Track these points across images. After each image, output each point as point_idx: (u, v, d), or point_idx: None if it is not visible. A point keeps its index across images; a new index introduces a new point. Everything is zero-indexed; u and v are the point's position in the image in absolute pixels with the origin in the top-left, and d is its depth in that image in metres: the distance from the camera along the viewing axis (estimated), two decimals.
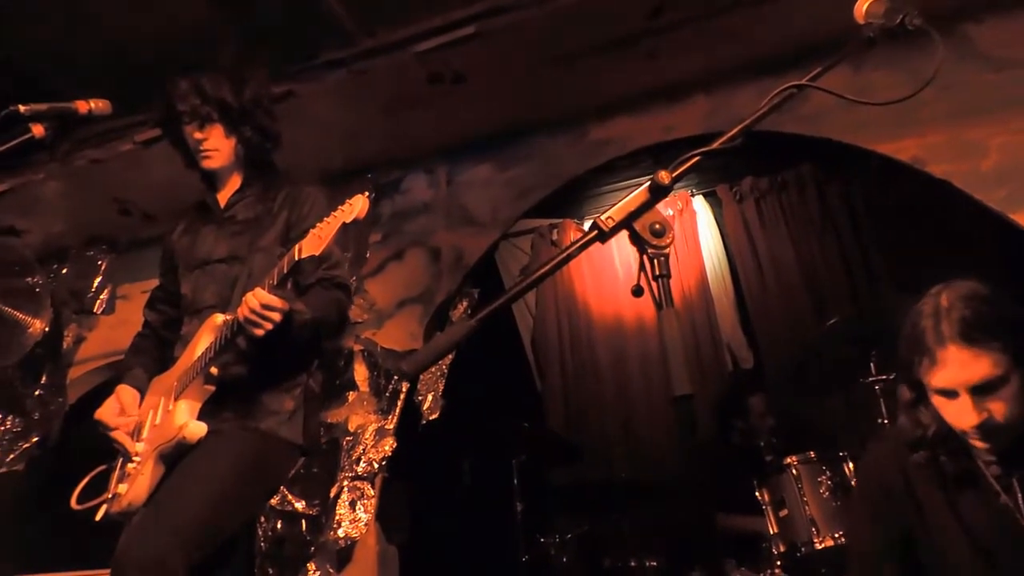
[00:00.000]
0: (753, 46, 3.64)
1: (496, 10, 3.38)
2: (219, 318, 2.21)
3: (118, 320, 4.64)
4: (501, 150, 4.23)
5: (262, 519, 3.68)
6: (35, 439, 4.56)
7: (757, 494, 3.44)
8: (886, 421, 3.22)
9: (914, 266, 4.41)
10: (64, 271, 4.72)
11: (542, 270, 1.25)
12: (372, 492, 3.77)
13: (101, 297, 4.69)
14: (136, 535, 2.00)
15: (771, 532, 3.34)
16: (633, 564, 3.74)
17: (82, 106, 1.87)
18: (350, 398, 3.97)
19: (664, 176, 1.25)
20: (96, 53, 3.45)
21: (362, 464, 3.80)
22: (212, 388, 2.18)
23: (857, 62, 3.37)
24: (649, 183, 1.26)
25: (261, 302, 2.00)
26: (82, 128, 3.81)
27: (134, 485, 2.15)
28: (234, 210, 2.44)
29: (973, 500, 1.75)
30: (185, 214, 2.59)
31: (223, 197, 2.47)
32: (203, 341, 2.20)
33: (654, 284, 1.28)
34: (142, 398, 2.35)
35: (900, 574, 1.87)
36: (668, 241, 1.25)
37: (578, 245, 1.24)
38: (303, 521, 3.73)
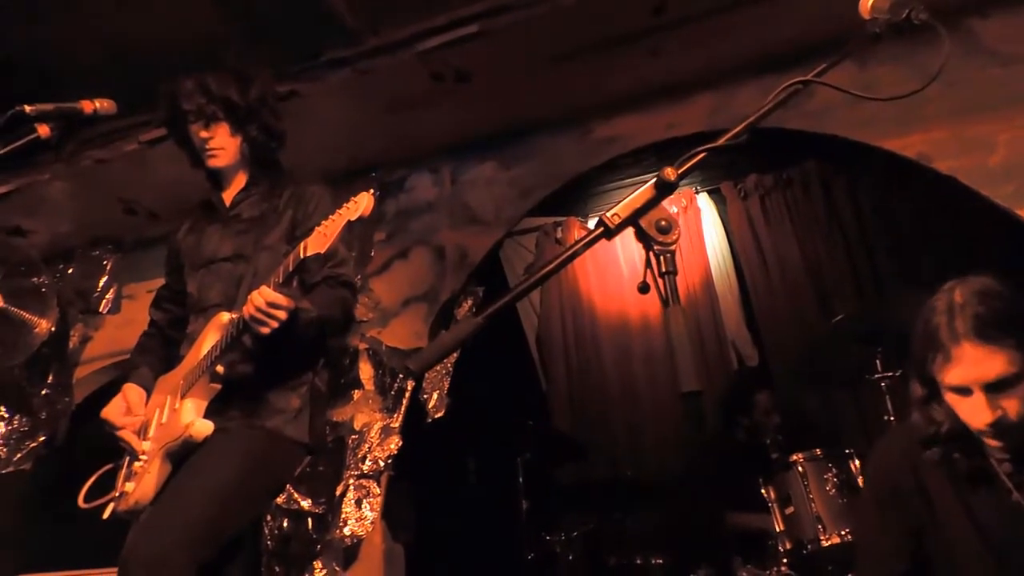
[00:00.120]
0: (756, 43, 3.64)
1: (499, 9, 3.38)
2: (225, 316, 2.21)
3: (124, 319, 4.65)
4: (505, 148, 4.23)
5: (268, 517, 3.69)
6: (42, 438, 4.57)
7: (763, 492, 3.43)
8: (892, 418, 3.21)
9: (920, 263, 4.40)
10: (70, 271, 4.73)
11: (548, 267, 1.25)
12: (378, 490, 3.77)
13: (107, 297, 4.70)
14: (143, 533, 2.01)
15: (777, 530, 3.33)
16: (639, 562, 3.74)
17: (87, 106, 1.87)
18: (355, 396, 3.97)
19: (670, 173, 1.25)
20: (101, 53, 3.45)
21: (368, 462, 3.80)
22: (218, 386, 2.19)
23: (862, 58, 3.36)
24: (655, 180, 1.26)
25: (267, 300, 2.00)
26: (87, 128, 3.81)
27: (141, 484, 2.15)
28: (239, 209, 2.44)
29: (985, 498, 1.73)
30: (190, 213, 2.59)
31: (228, 196, 2.48)
32: (209, 340, 2.21)
33: (660, 281, 1.27)
34: (148, 397, 2.35)
35: (908, 571, 1.86)
36: (674, 238, 1.25)
37: (584, 242, 1.24)
38: (309, 519, 3.74)
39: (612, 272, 5.24)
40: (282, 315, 2.03)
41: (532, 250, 5.36)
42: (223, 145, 2.38)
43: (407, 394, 3.95)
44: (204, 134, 2.36)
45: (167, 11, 3.31)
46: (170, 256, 2.57)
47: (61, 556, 3.99)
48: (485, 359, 3.94)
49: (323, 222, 1.99)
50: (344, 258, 2.37)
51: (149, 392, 2.37)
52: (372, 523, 3.72)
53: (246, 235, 2.38)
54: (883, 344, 3.30)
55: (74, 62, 3.46)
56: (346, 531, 3.70)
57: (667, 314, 1.29)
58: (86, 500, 2.34)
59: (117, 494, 2.24)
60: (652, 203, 1.26)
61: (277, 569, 3.73)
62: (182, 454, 2.15)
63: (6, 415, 4.62)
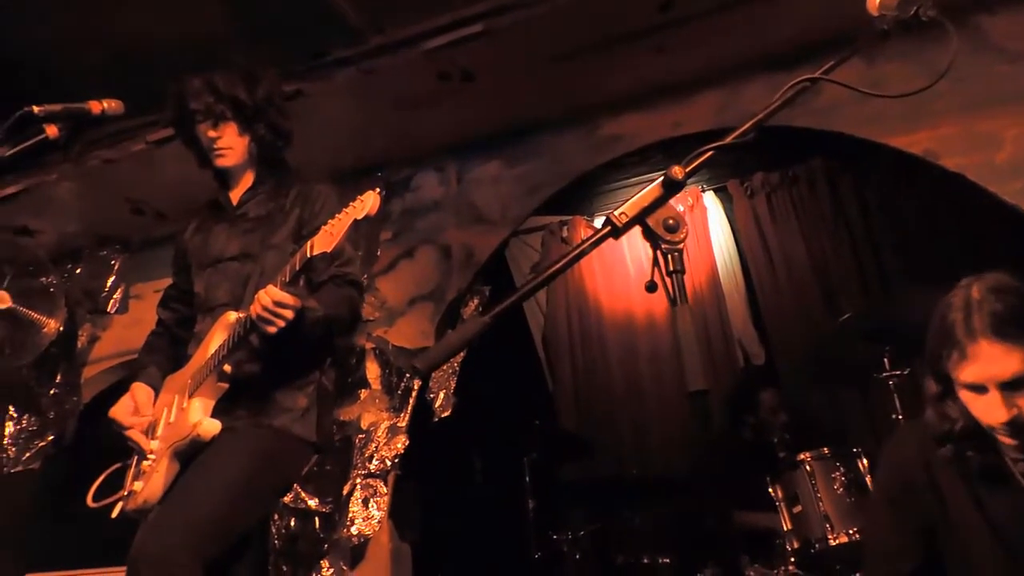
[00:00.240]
0: (763, 40, 3.62)
1: (504, 7, 3.38)
2: (232, 316, 2.22)
3: (132, 319, 4.66)
4: (510, 147, 4.22)
5: (276, 516, 3.69)
6: (50, 438, 4.59)
7: (770, 490, 3.42)
8: (900, 417, 3.20)
9: (927, 260, 4.39)
10: (78, 271, 4.75)
11: (555, 266, 1.25)
12: (385, 490, 3.77)
13: (115, 296, 4.71)
14: (151, 532, 2.02)
15: (785, 528, 3.32)
16: (646, 561, 3.74)
17: (95, 106, 1.87)
18: (362, 396, 3.98)
19: (677, 171, 1.24)
20: (107, 53, 3.46)
21: (375, 462, 3.81)
22: (226, 386, 2.19)
23: (870, 55, 3.35)
24: (662, 178, 1.26)
25: (273, 299, 2.01)
26: (95, 128, 3.83)
27: (149, 483, 2.16)
28: (246, 208, 2.45)
29: (999, 496, 1.72)
30: (197, 213, 2.60)
31: (235, 195, 2.48)
32: (216, 339, 2.21)
33: (668, 280, 1.27)
34: (156, 396, 2.36)
35: (917, 570, 1.86)
36: (682, 236, 1.25)
37: (592, 241, 1.24)
38: (316, 518, 3.75)
39: (618, 271, 5.23)
40: (289, 314, 2.03)
41: (538, 249, 5.36)
42: (231, 144, 2.39)
43: (414, 393, 3.95)
44: (212, 133, 2.37)
45: (173, 11, 3.31)
46: (177, 255, 2.58)
47: (69, 555, 4.01)
48: (491, 358, 3.93)
49: (329, 221, 1.99)
50: (351, 257, 2.37)
51: (157, 391, 2.37)
52: (379, 522, 3.73)
53: (253, 234, 2.38)
54: (891, 342, 3.29)
55: (81, 62, 3.47)
56: (353, 530, 3.70)
57: (675, 313, 1.28)
58: (95, 499, 2.35)
59: (125, 493, 2.25)
60: (660, 201, 1.26)
61: (284, 568, 3.74)
62: (190, 453, 2.16)
63: (15, 414, 4.64)
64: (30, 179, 4.14)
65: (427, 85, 3.73)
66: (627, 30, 3.52)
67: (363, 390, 3.99)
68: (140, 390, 2.35)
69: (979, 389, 1.64)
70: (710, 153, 1.29)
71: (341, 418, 3.91)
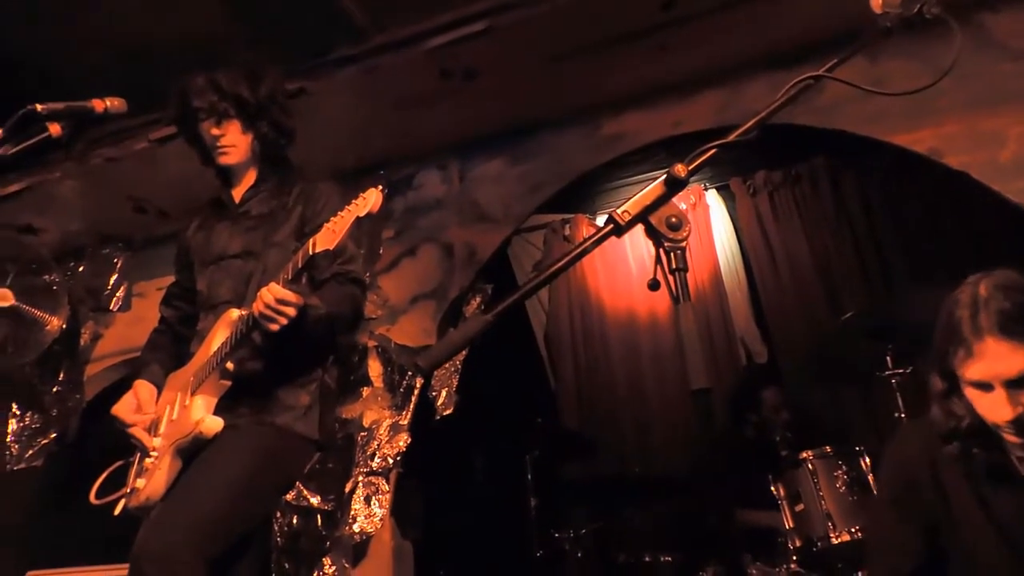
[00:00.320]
0: (765, 38, 3.62)
1: (506, 6, 3.37)
2: (234, 313, 2.22)
3: (134, 317, 4.67)
4: (513, 145, 4.22)
5: (278, 514, 3.70)
6: (53, 435, 4.60)
7: (772, 489, 3.42)
8: (903, 415, 3.19)
9: (930, 258, 4.38)
10: (81, 269, 4.75)
11: (558, 264, 1.25)
12: (387, 487, 3.78)
13: (117, 294, 4.72)
14: (154, 529, 2.02)
15: (787, 527, 3.32)
16: (647, 559, 3.74)
17: (98, 105, 1.87)
18: (364, 394, 3.98)
19: (680, 169, 1.24)
20: (109, 51, 3.46)
21: (377, 459, 3.81)
22: (228, 383, 2.20)
23: (873, 53, 3.34)
24: (665, 176, 1.26)
25: (276, 297, 2.01)
26: (97, 127, 3.84)
27: (152, 480, 2.16)
28: (248, 205, 2.45)
29: (1005, 495, 1.72)
30: (200, 211, 2.60)
31: (238, 193, 2.48)
32: (219, 336, 2.22)
33: (671, 278, 1.27)
34: (159, 393, 2.37)
35: (918, 568, 1.86)
36: (685, 234, 1.25)
37: (594, 239, 1.24)
38: (319, 516, 3.75)
39: (621, 269, 5.23)
40: (291, 312, 2.04)
41: (540, 247, 5.36)
42: (234, 142, 2.39)
43: (416, 391, 3.95)
44: (216, 131, 2.37)
45: (175, 9, 3.31)
46: (180, 253, 2.58)
47: (72, 552, 4.01)
48: (494, 357, 3.93)
49: (332, 219, 1.99)
50: (353, 255, 2.37)
51: (160, 389, 2.38)
52: (381, 520, 3.73)
53: (255, 232, 2.38)
54: (893, 341, 3.28)
55: (83, 61, 3.47)
56: (355, 528, 3.71)
57: (677, 311, 1.28)
58: (97, 496, 2.36)
59: (128, 490, 2.26)
60: (662, 200, 1.26)
61: (287, 566, 3.74)
62: (192, 450, 2.16)
63: (18, 412, 4.65)
64: (33, 177, 4.15)
65: (429, 83, 3.72)
66: (629, 29, 3.52)
67: (365, 388, 3.99)
68: (143, 387, 2.36)
69: (985, 387, 1.64)
70: (713, 151, 1.29)
71: (343, 416, 3.91)
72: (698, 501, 4.07)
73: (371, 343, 4.08)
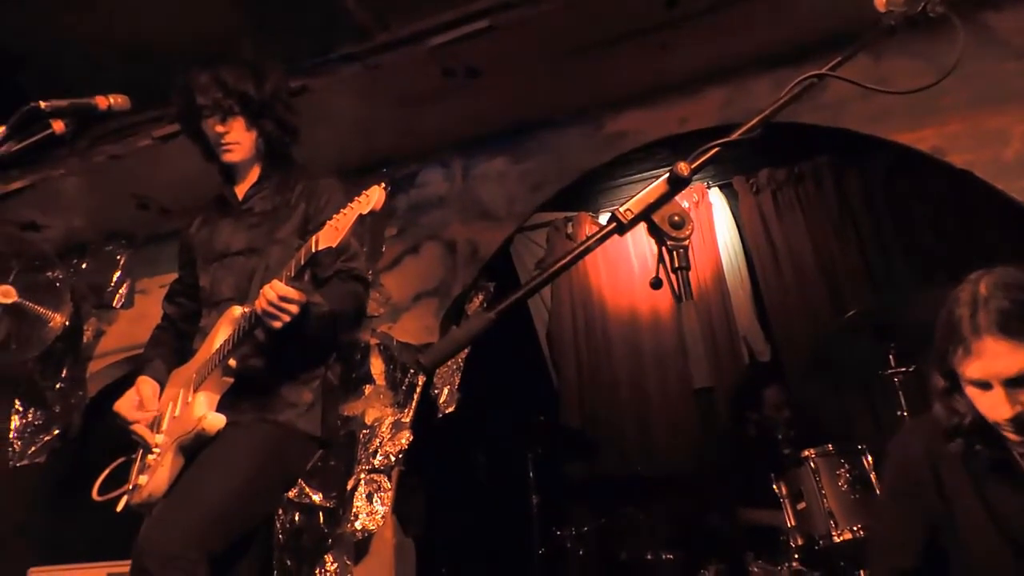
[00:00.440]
0: (769, 36, 3.61)
1: (510, 4, 3.37)
2: (237, 310, 2.22)
3: (137, 314, 4.68)
4: (516, 143, 4.22)
5: (280, 511, 3.71)
6: (56, 432, 4.61)
7: (775, 487, 3.42)
8: (905, 414, 3.19)
9: (933, 257, 4.38)
10: (84, 266, 4.76)
11: (560, 263, 1.25)
12: (389, 485, 3.78)
13: (120, 291, 4.72)
14: (156, 526, 2.02)
15: (789, 525, 3.32)
16: (649, 557, 3.74)
17: (102, 102, 1.88)
18: (367, 391, 3.98)
19: (683, 167, 1.24)
20: (112, 49, 3.47)
21: (379, 457, 3.81)
22: (231, 380, 2.20)
23: (877, 51, 3.34)
24: (668, 175, 1.26)
25: (278, 294, 2.01)
26: (100, 124, 3.84)
27: (154, 476, 2.17)
28: (252, 203, 2.45)
29: (1007, 492, 1.72)
30: (203, 208, 2.60)
31: (241, 190, 2.48)
32: (221, 333, 2.22)
33: (673, 276, 1.27)
34: (162, 390, 2.37)
35: (916, 566, 1.86)
36: (687, 233, 1.25)
37: (597, 237, 1.24)
38: (321, 513, 3.76)
39: (623, 267, 5.23)
40: (294, 309, 2.04)
41: (543, 245, 5.36)
42: (239, 140, 2.39)
43: (418, 389, 3.96)
44: (220, 128, 2.36)
45: (178, 7, 3.31)
46: (182, 250, 2.58)
47: (75, 549, 4.02)
48: (496, 355, 3.93)
49: (334, 216, 1.99)
50: (356, 252, 2.37)
51: (163, 385, 2.38)
52: (383, 517, 3.74)
53: (258, 229, 2.38)
54: (896, 339, 3.28)
55: (86, 59, 3.48)
56: (357, 525, 3.71)
57: (679, 310, 1.27)
58: (100, 493, 2.36)
59: (130, 487, 2.26)
60: (665, 198, 1.26)
61: (288, 563, 3.75)
62: (195, 447, 2.16)
63: (21, 409, 4.66)
64: (36, 174, 4.15)
65: (432, 81, 3.72)
66: (632, 27, 3.51)
67: (367, 386, 4.00)
68: (145, 384, 2.36)
69: (984, 385, 1.64)
70: (716, 149, 1.29)
71: (345, 413, 3.92)
72: (700, 499, 4.07)
73: (373, 341, 4.08)
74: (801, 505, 3.27)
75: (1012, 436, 1.66)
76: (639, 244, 5.19)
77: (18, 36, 3.47)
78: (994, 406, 1.63)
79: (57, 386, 4.64)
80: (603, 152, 4.07)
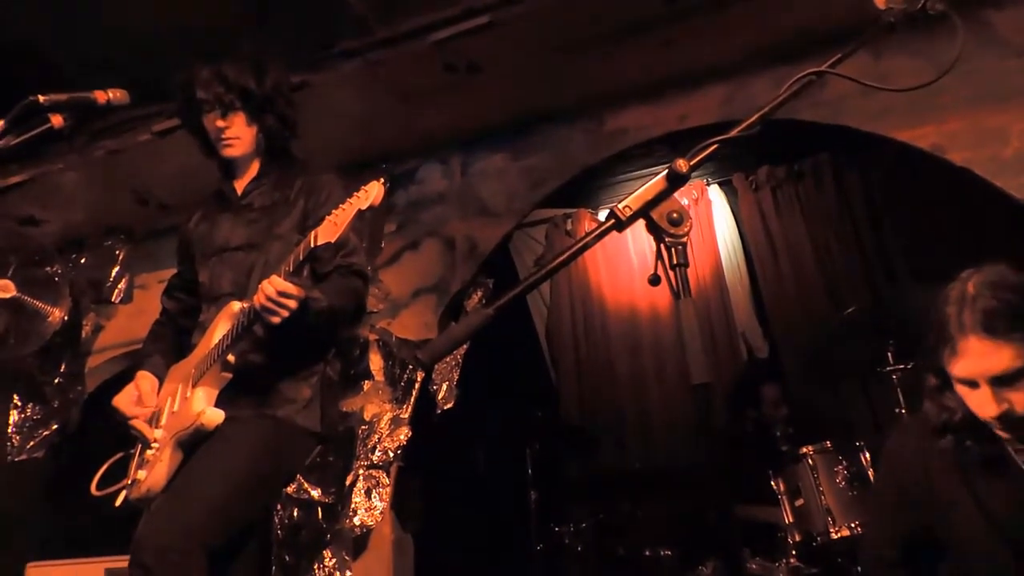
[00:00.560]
0: (769, 33, 3.61)
1: (510, 0, 3.37)
2: (236, 306, 2.22)
3: (136, 309, 4.67)
4: (516, 140, 4.22)
5: (279, 507, 3.71)
6: (54, 427, 4.61)
7: (773, 484, 3.43)
8: (903, 411, 3.20)
9: (932, 255, 4.38)
10: (82, 261, 4.76)
11: (560, 259, 1.25)
12: (387, 481, 3.79)
13: (119, 286, 4.72)
14: (155, 521, 2.02)
15: (787, 522, 3.33)
16: (647, 553, 3.75)
17: (101, 96, 1.87)
18: (365, 387, 3.98)
19: (682, 164, 1.24)
20: (112, 42, 3.46)
21: (377, 453, 3.82)
22: (229, 375, 2.20)
23: (877, 49, 3.33)
24: (667, 171, 1.25)
25: (277, 289, 2.00)
26: (99, 118, 3.84)
27: (153, 471, 2.17)
28: (251, 197, 2.45)
29: (999, 486, 1.73)
30: (202, 203, 2.60)
31: (240, 185, 2.48)
32: (220, 328, 2.22)
33: (671, 273, 1.27)
34: (160, 385, 2.37)
35: (901, 561, 1.88)
36: (686, 230, 1.25)
37: (595, 234, 1.24)
38: (319, 509, 3.76)
39: (622, 264, 5.23)
40: (292, 304, 2.03)
41: (542, 242, 5.36)
42: (239, 135, 2.38)
43: (417, 385, 3.96)
44: (221, 123, 2.36)
45: (178, 1, 3.31)
46: (181, 245, 2.58)
47: (73, 543, 4.03)
48: (495, 351, 3.94)
49: (333, 211, 1.99)
50: (355, 247, 2.37)
51: (161, 380, 2.38)
52: (381, 513, 3.74)
53: (258, 224, 2.38)
54: (894, 336, 3.29)
55: (86, 52, 3.47)
56: (356, 521, 3.72)
57: (678, 307, 1.28)
58: (99, 488, 2.36)
59: (129, 482, 2.26)
60: (664, 195, 1.26)
61: (287, 558, 3.75)
62: (193, 442, 2.16)
63: (19, 403, 4.66)
64: (35, 169, 4.15)
65: (433, 77, 3.72)
66: (633, 23, 3.51)
67: (366, 382, 4.00)
68: (144, 379, 2.36)
69: (970, 384, 1.66)
70: (715, 146, 1.28)
71: (344, 409, 3.92)
72: (698, 496, 4.08)
73: (372, 337, 4.08)
74: (799, 502, 3.28)
75: (1002, 434, 1.68)
76: (638, 241, 5.19)
77: (17, 29, 3.47)
78: (981, 404, 1.65)
79: (56, 381, 4.64)
80: (603, 149, 4.06)
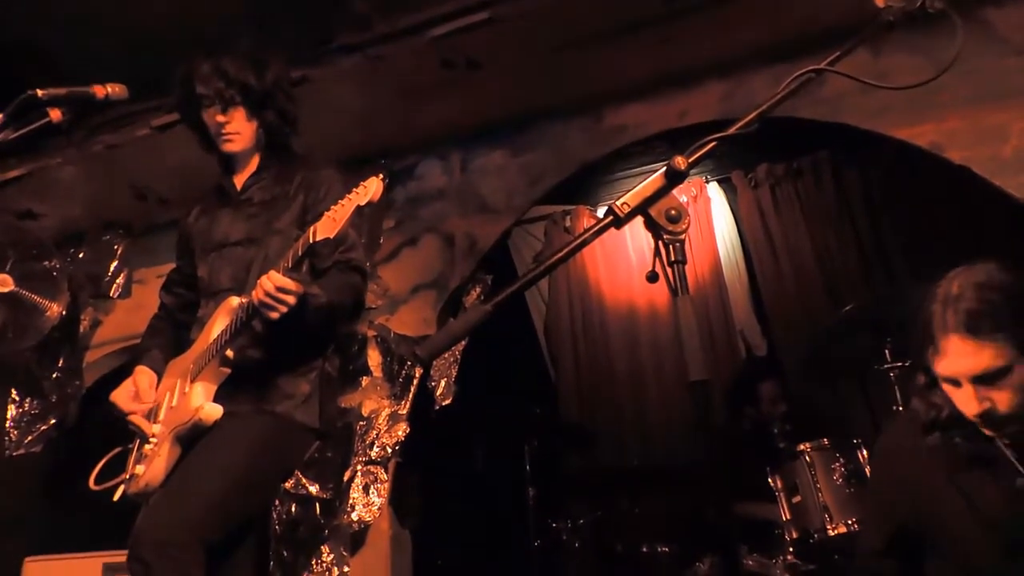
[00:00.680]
0: (768, 30, 3.61)
1: None
2: (234, 301, 2.22)
3: (134, 304, 4.67)
4: (515, 136, 4.21)
5: (277, 502, 3.71)
6: (52, 421, 4.61)
7: (770, 481, 3.43)
8: (901, 408, 3.20)
9: (931, 253, 4.38)
10: (81, 255, 4.75)
11: (557, 255, 1.25)
12: (385, 476, 3.79)
13: (117, 281, 4.72)
14: (153, 516, 2.03)
15: (784, 519, 3.33)
16: (645, 550, 3.75)
17: (99, 91, 1.87)
18: (364, 383, 3.99)
19: (680, 162, 1.24)
20: (110, 37, 3.46)
21: (375, 449, 3.82)
22: (228, 371, 2.20)
23: (876, 46, 3.33)
24: (665, 168, 1.26)
25: (276, 285, 2.01)
26: (98, 113, 3.83)
27: (151, 466, 2.17)
28: (250, 193, 2.45)
29: (988, 482, 1.74)
30: (201, 198, 2.60)
31: (240, 180, 2.48)
32: (219, 324, 2.22)
33: (669, 270, 1.27)
34: (159, 380, 2.37)
35: (893, 549, 1.89)
36: (684, 227, 1.25)
37: (594, 231, 1.24)
38: (317, 504, 3.76)
39: (621, 261, 5.23)
40: (291, 300, 2.03)
41: (541, 238, 5.36)
42: (239, 130, 2.38)
43: (415, 381, 3.96)
44: (221, 118, 2.35)
45: None
46: (180, 240, 2.58)
47: (71, 538, 4.03)
48: (493, 347, 3.94)
49: (332, 207, 1.99)
50: (354, 243, 2.37)
51: (160, 375, 2.38)
52: (379, 509, 3.75)
53: (257, 219, 2.38)
54: (892, 334, 3.29)
55: (85, 47, 3.46)
56: (353, 516, 3.72)
57: (676, 304, 1.28)
58: (97, 482, 2.36)
59: (127, 476, 2.26)
60: (662, 192, 1.26)
61: (285, 553, 3.76)
62: (192, 437, 2.16)
63: (17, 398, 4.66)
64: (33, 163, 4.14)
65: (432, 73, 3.72)
66: (632, 20, 3.51)
67: (364, 377, 4.00)
68: (142, 374, 2.36)
69: (953, 382, 1.68)
70: (713, 144, 1.29)
71: (342, 405, 3.92)
72: (695, 492, 4.08)
73: (371, 333, 4.08)
74: (796, 499, 3.28)
75: (986, 431, 1.69)
76: (637, 238, 5.19)
77: (16, 24, 3.46)
78: (965, 402, 1.67)
79: (54, 375, 4.64)
80: (602, 145, 4.06)
